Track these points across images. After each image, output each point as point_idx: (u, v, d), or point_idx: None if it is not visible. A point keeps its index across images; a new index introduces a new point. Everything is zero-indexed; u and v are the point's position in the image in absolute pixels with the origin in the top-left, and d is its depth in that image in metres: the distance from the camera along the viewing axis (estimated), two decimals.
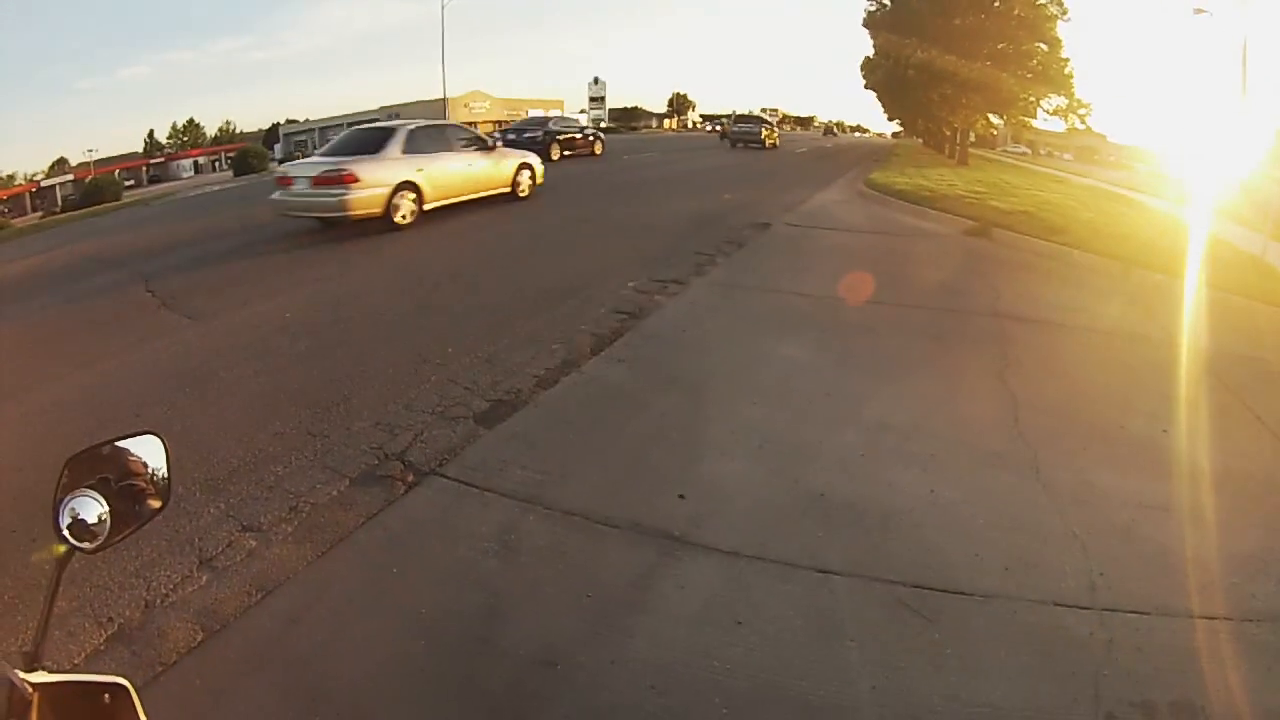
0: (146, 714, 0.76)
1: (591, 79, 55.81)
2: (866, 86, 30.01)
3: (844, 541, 2.50)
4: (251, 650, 2.02)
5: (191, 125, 46.98)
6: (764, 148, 26.35)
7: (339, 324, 5.12)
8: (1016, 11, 20.46)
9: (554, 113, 31.43)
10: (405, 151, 8.68)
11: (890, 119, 37.40)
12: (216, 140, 47.46)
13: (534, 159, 11.23)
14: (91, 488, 0.86)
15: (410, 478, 2.91)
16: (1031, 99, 21.65)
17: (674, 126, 67.35)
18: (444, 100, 36.59)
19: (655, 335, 4.70)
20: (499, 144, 11.00)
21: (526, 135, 15.70)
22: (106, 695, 0.74)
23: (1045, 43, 20.93)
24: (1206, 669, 1.96)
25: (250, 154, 35.29)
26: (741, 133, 27.84)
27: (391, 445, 3.18)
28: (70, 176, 38.47)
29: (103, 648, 2.05)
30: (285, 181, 8.62)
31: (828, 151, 28.80)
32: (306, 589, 2.27)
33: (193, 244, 9.18)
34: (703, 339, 4.68)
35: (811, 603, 2.19)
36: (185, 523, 2.61)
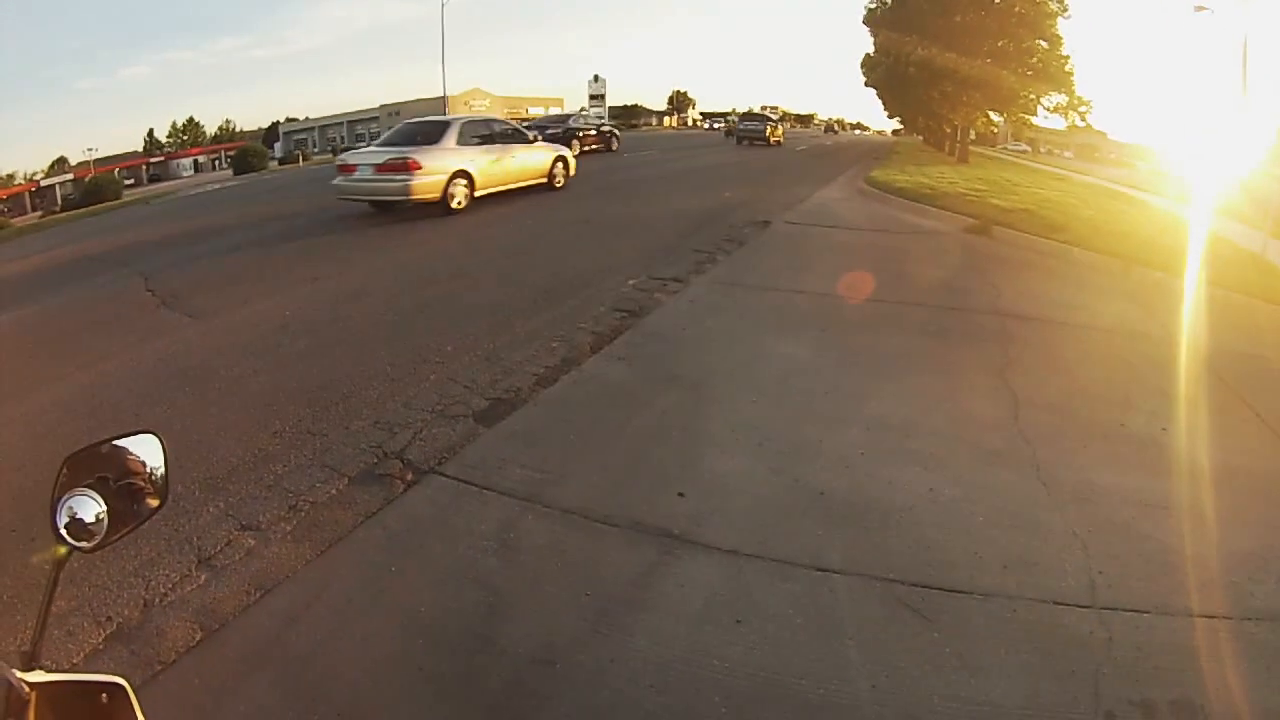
0: (145, 713, 0.75)
1: (591, 76, 55.97)
2: (867, 84, 30.09)
3: (844, 540, 2.50)
4: (250, 649, 2.02)
5: (191, 124, 47.09)
6: (769, 144, 26.94)
7: (338, 322, 5.12)
8: (1017, 8, 20.44)
9: (553, 110, 31.50)
10: (459, 143, 9.13)
11: (890, 116, 37.33)
12: (216, 139, 47.56)
13: (567, 152, 11.65)
14: (89, 487, 0.86)
15: (409, 476, 2.91)
16: (1032, 96, 21.64)
17: (674, 124, 67.39)
18: (444, 98, 36.62)
19: (655, 333, 4.69)
20: (538, 138, 11.35)
21: (549, 132, 15.97)
22: (104, 695, 0.74)
23: (1045, 40, 20.91)
24: (1206, 668, 1.96)
25: (250, 153, 35.43)
26: (747, 130, 28.71)
27: (390, 444, 3.18)
28: (70, 175, 38.51)
29: (101, 647, 2.05)
30: (347, 169, 9.03)
31: (828, 149, 28.76)
32: (305, 588, 2.27)
33: (193, 242, 9.18)
34: (703, 337, 4.67)
35: (811, 601, 2.19)
36: (184, 522, 2.61)
